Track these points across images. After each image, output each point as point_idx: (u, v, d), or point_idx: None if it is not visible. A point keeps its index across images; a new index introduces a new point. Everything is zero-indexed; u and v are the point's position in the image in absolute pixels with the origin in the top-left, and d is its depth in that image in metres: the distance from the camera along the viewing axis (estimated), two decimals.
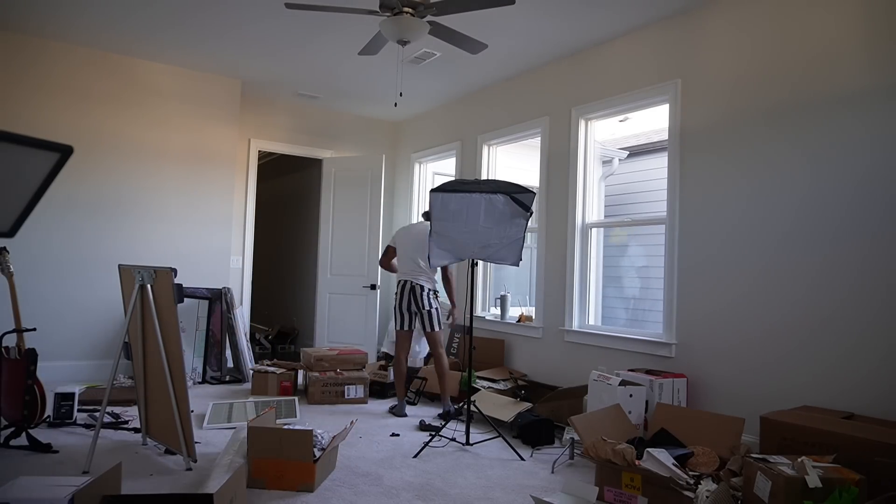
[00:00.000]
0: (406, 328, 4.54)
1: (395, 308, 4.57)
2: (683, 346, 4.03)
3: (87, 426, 3.83)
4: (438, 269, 4.59)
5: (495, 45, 4.86)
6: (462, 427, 4.10)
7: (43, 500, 2.14)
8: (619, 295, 7.43)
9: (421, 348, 5.74)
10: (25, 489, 2.21)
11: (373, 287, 6.33)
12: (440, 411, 4.54)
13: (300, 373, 5.35)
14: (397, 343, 4.59)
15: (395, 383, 4.66)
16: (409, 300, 4.47)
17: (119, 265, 3.50)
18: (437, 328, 4.50)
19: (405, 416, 4.49)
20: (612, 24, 4.43)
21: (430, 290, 4.51)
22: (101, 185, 5.41)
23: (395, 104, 6.67)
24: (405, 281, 4.52)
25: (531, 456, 3.62)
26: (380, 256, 4.98)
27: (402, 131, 7.45)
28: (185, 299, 5.45)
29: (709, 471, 3.03)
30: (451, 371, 4.84)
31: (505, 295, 5.61)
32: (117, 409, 4.29)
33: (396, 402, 4.65)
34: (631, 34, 4.56)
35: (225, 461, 2.88)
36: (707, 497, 2.58)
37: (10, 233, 1.92)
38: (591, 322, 4.87)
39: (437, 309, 4.52)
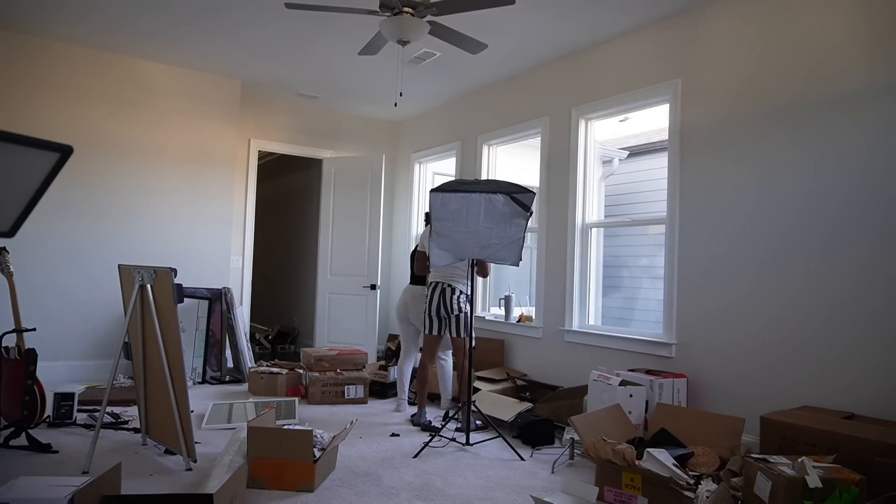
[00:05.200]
0: (435, 333, 4.30)
1: (425, 312, 4.33)
2: (683, 346, 4.03)
3: (87, 426, 3.83)
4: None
5: (495, 45, 4.86)
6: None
7: (43, 500, 2.14)
8: (619, 295, 7.42)
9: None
10: (25, 489, 2.21)
11: (373, 287, 6.33)
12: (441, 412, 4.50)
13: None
14: (425, 348, 4.38)
15: (417, 391, 4.35)
16: (440, 303, 4.24)
17: (119, 265, 3.50)
18: (463, 334, 4.24)
19: (428, 423, 4.21)
20: (612, 24, 4.43)
21: (461, 292, 4.26)
22: (100, 184, 5.41)
23: (395, 104, 6.67)
24: (436, 283, 4.29)
25: (531, 456, 3.62)
26: (413, 263, 4.61)
27: (402, 131, 7.45)
28: (185, 299, 5.45)
29: (709, 471, 3.02)
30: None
31: (509, 296, 5.60)
32: (117, 409, 4.29)
33: (416, 411, 4.35)
34: (631, 34, 4.55)
35: (225, 461, 2.88)
36: (707, 497, 2.58)
37: (10, 233, 1.92)
38: (591, 322, 4.87)
39: (466, 314, 4.24)
